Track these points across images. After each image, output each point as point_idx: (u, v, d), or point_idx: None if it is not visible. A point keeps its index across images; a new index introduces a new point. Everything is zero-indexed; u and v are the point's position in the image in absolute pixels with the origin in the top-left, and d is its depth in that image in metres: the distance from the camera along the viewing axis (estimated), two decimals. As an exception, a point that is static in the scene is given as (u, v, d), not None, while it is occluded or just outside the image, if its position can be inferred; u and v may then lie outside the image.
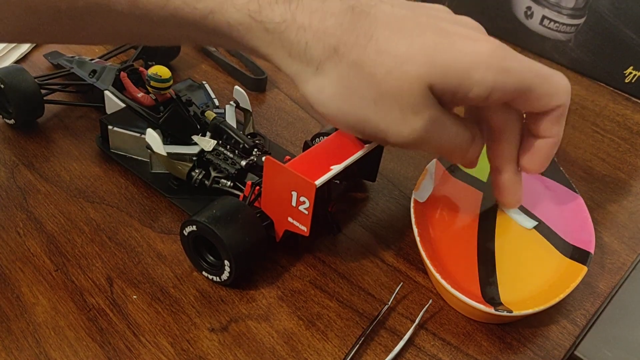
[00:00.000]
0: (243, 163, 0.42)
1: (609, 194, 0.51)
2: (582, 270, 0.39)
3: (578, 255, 0.40)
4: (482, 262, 0.41)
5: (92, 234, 0.41)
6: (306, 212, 0.36)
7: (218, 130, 0.44)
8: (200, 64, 0.59)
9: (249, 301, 0.38)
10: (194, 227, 0.37)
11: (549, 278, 0.40)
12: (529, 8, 0.67)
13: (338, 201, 0.44)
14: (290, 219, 0.38)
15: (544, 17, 0.66)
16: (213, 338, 0.36)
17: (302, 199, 0.36)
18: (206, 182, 0.43)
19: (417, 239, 0.40)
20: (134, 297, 0.38)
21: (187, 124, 0.45)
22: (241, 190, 0.42)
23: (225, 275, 0.37)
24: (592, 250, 0.40)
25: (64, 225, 0.42)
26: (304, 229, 0.37)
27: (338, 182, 0.44)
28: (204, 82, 0.52)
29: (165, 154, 0.42)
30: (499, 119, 0.36)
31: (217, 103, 0.50)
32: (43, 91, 0.49)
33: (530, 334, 0.38)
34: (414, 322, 0.38)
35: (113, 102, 0.47)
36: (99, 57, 0.54)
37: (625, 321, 0.40)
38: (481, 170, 0.48)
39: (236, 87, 0.48)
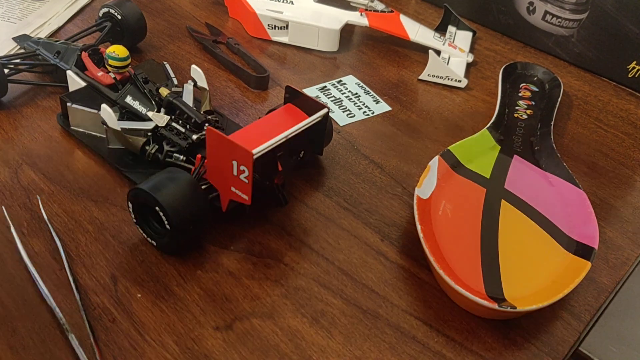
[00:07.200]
0: (194, 137, 0.43)
1: (613, 189, 0.51)
2: (586, 265, 0.39)
3: (582, 250, 0.40)
4: (486, 258, 0.41)
5: (96, 233, 0.41)
6: (246, 181, 0.38)
7: (171, 106, 0.46)
8: (202, 62, 0.59)
9: (253, 299, 0.38)
10: (134, 193, 0.39)
11: (553, 274, 0.40)
12: (531, 3, 0.67)
13: (289, 175, 0.46)
14: (233, 189, 0.40)
15: (546, 13, 0.66)
16: (217, 336, 0.36)
17: (242, 167, 0.38)
18: (159, 156, 0.44)
19: (420, 235, 0.40)
20: (138, 295, 0.38)
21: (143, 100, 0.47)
22: (193, 164, 0.43)
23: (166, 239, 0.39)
24: (595, 246, 0.40)
25: (68, 224, 0.42)
26: (245, 197, 0.39)
27: (288, 156, 0.45)
28: (164, 63, 0.53)
29: (119, 129, 0.44)
30: None
31: (175, 82, 0.51)
32: (6, 70, 0.51)
33: (535, 329, 0.38)
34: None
35: (75, 81, 0.50)
36: (65, 40, 0.55)
37: (629, 316, 0.40)
38: (484, 166, 0.48)
39: (193, 65, 0.49)
